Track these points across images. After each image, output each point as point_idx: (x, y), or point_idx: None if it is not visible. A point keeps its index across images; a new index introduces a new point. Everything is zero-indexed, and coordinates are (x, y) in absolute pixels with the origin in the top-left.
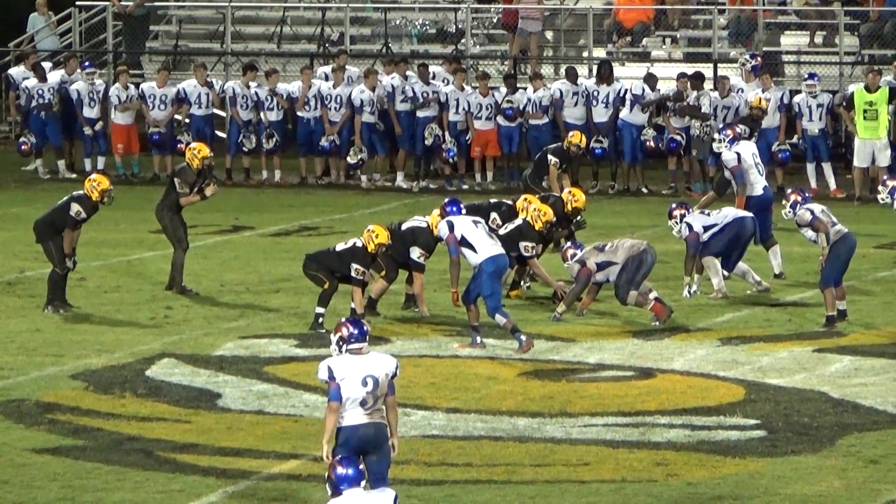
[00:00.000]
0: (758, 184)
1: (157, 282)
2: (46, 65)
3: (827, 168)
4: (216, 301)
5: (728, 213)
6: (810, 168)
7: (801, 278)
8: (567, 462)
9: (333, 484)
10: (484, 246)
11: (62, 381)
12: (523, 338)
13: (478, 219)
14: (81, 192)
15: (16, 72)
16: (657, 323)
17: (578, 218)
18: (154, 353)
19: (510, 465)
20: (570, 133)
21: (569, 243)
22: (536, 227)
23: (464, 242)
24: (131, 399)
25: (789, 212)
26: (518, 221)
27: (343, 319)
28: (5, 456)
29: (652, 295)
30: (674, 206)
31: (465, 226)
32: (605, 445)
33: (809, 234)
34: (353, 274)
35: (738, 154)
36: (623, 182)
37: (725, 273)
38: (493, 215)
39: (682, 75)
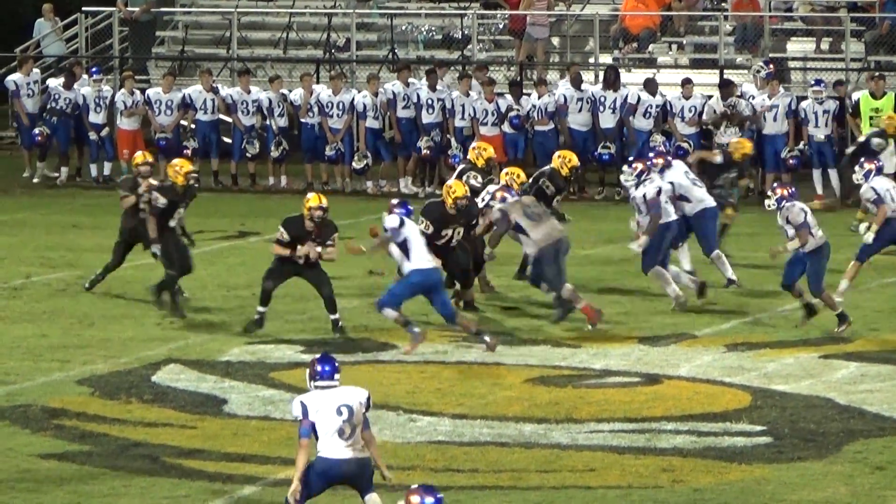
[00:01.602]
0: (704, 199)
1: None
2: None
3: (833, 174)
4: (222, 307)
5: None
6: (816, 174)
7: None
8: (573, 468)
9: None
10: (419, 257)
11: (68, 387)
12: (416, 330)
13: (420, 229)
14: (162, 182)
15: (16, 78)
16: (590, 327)
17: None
18: (160, 359)
19: (516, 471)
20: (477, 144)
21: (499, 186)
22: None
23: (403, 246)
24: (137, 404)
25: (773, 204)
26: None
27: (315, 357)
28: (11, 461)
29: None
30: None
31: (412, 231)
32: (611, 451)
33: (790, 232)
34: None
35: (660, 188)
36: None
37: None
38: None
39: (686, 81)
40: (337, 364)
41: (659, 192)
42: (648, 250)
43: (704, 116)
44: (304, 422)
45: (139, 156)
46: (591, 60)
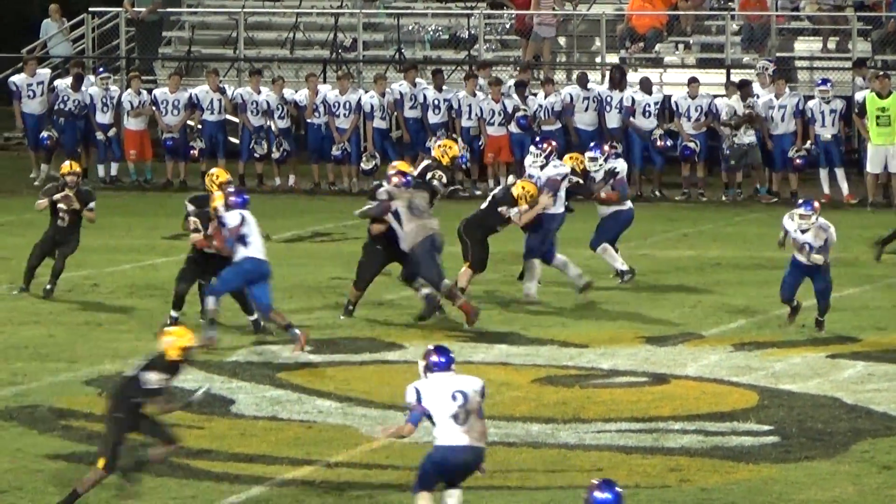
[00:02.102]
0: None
1: (171, 288)
2: (44, 71)
3: (840, 174)
4: (229, 307)
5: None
6: (823, 174)
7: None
8: (581, 468)
9: None
10: (256, 247)
11: (76, 388)
12: (212, 334)
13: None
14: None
15: (18, 79)
16: (466, 325)
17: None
18: None
19: (524, 470)
20: (443, 142)
21: (396, 172)
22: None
23: (241, 238)
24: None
25: (813, 222)
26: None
27: (430, 348)
28: (19, 462)
29: (423, 291)
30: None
31: (251, 223)
32: (618, 451)
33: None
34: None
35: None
36: (636, 188)
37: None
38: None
39: (692, 80)
40: (452, 355)
41: (563, 178)
42: (534, 237)
43: (724, 117)
44: (417, 407)
45: (66, 166)
46: (598, 60)
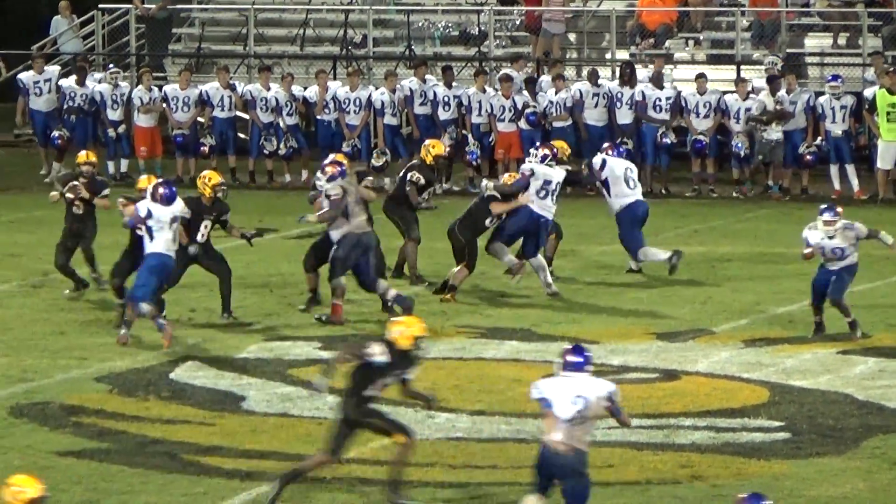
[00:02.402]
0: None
1: (180, 284)
2: (52, 69)
3: (850, 170)
4: (240, 303)
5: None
6: (833, 170)
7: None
8: (592, 464)
9: None
10: (159, 242)
11: (86, 384)
12: (163, 322)
13: (177, 216)
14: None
15: (26, 76)
16: (323, 317)
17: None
18: (178, 356)
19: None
20: (429, 142)
21: (333, 161)
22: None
23: (149, 231)
24: (155, 402)
25: (840, 227)
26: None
27: (567, 347)
28: (30, 458)
29: (391, 294)
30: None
31: (163, 219)
32: (629, 447)
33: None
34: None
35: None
36: (646, 184)
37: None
38: None
39: (700, 76)
40: (589, 355)
41: (531, 173)
42: (501, 230)
43: (755, 112)
44: (543, 402)
45: (82, 155)
46: (608, 56)
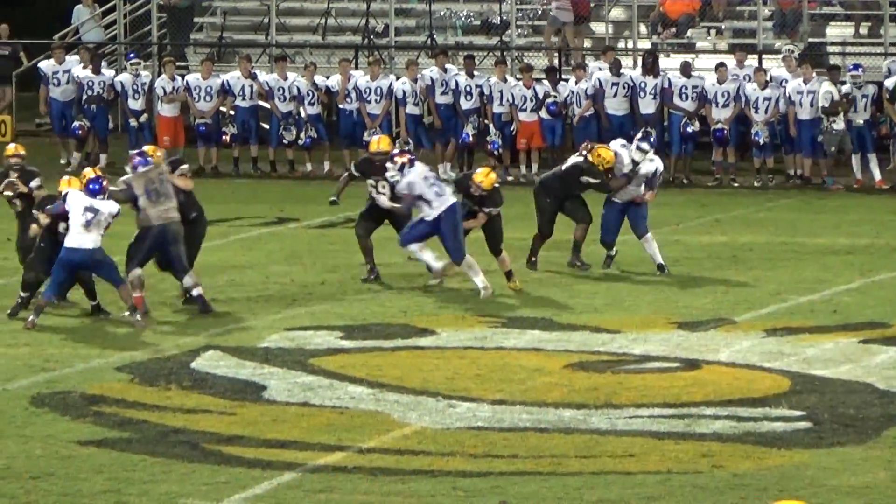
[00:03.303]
0: (442, 202)
1: (202, 274)
2: (73, 58)
3: (872, 159)
4: (261, 293)
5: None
6: (855, 159)
7: (841, 272)
8: (613, 453)
9: None
10: (72, 237)
11: (108, 374)
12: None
13: (93, 209)
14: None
15: (46, 65)
16: (126, 313)
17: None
18: (199, 346)
19: (556, 456)
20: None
21: (137, 152)
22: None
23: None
24: (176, 391)
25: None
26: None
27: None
28: (51, 448)
29: (196, 291)
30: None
31: (75, 211)
32: (650, 437)
33: None
34: None
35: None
36: (670, 173)
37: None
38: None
39: (720, 65)
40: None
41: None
42: (412, 229)
43: (822, 103)
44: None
45: (10, 148)
46: (630, 45)
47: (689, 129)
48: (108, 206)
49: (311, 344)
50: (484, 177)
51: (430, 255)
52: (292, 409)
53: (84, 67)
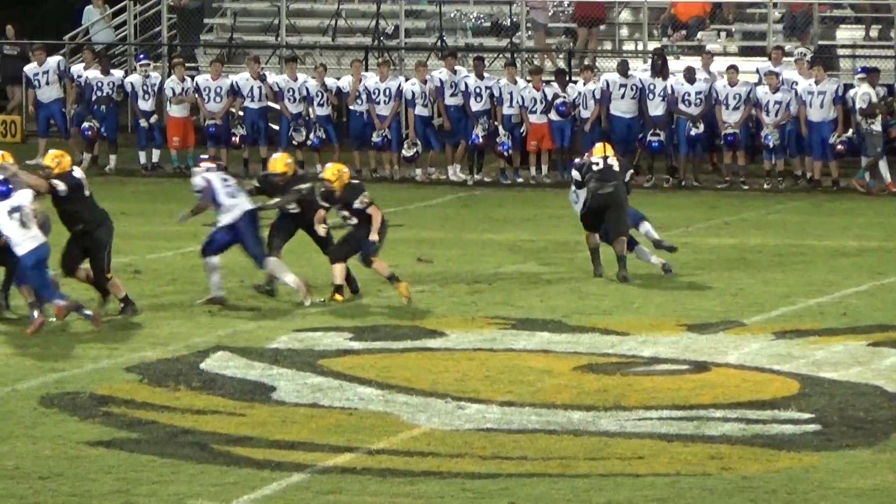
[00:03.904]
0: (235, 207)
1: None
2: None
3: (882, 162)
4: (271, 294)
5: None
6: (883, 163)
7: (850, 274)
8: (622, 455)
9: None
10: (20, 240)
11: (117, 374)
12: (35, 314)
13: (16, 207)
14: None
15: (29, 67)
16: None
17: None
18: (208, 346)
19: (565, 458)
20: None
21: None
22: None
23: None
24: (186, 392)
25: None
26: None
27: None
28: (59, 448)
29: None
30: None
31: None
32: (659, 439)
33: None
34: None
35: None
36: (680, 175)
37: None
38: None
39: (731, 67)
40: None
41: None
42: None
43: (860, 104)
44: None
45: None
46: (640, 48)
47: (692, 133)
48: (23, 197)
49: (321, 345)
50: (282, 164)
51: (289, 276)
52: (301, 411)
53: (86, 68)
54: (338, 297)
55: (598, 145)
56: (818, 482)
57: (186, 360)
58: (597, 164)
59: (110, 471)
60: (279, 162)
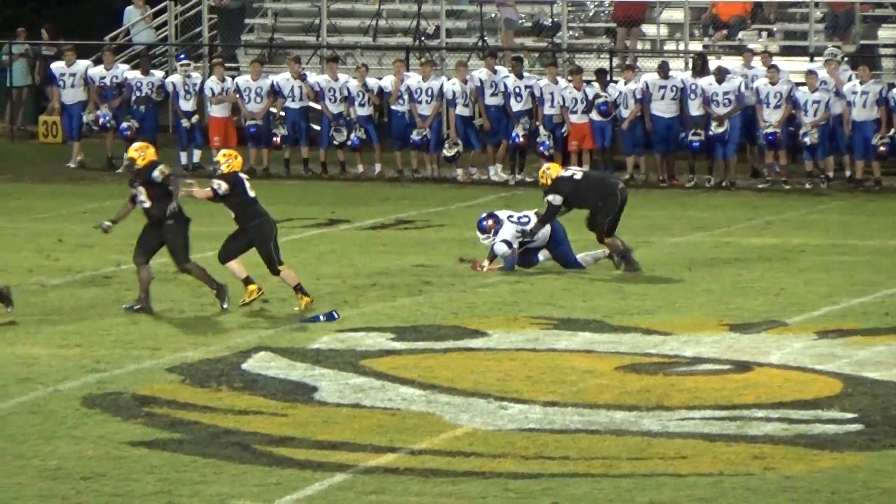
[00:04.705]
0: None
1: (253, 275)
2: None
3: None
4: (313, 294)
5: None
6: None
7: (893, 274)
8: (664, 455)
9: None
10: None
11: (158, 375)
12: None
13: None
14: None
15: (57, 66)
16: None
17: None
18: (250, 347)
19: (607, 458)
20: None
21: None
22: None
23: None
24: (228, 392)
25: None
26: None
27: None
28: (102, 449)
29: None
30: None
31: None
32: (702, 439)
33: None
34: None
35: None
36: (720, 175)
37: None
38: None
39: (772, 67)
40: None
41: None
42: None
43: None
44: None
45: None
46: (681, 47)
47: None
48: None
49: (363, 345)
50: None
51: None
52: (344, 411)
53: (107, 68)
54: (251, 287)
55: (548, 165)
56: (861, 482)
57: (228, 360)
58: (575, 175)
59: (153, 471)
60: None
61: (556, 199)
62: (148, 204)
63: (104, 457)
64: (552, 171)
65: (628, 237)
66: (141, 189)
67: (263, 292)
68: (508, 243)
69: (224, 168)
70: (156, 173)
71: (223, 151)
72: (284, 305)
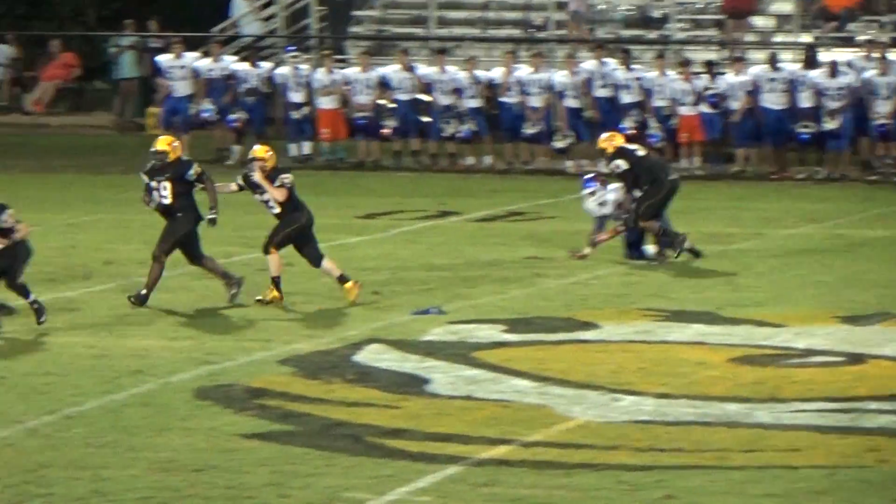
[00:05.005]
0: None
1: (365, 267)
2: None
3: None
4: (424, 286)
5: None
6: None
7: None
8: (777, 448)
9: None
10: None
11: (270, 367)
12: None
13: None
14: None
15: (164, 58)
16: None
17: None
18: (362, 339)
19: (720, 450)
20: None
21: None
22: None
23: None
24: (339, 384)
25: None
26: None
27: None
28: (214, 441)
29: None
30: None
31: None
32: (815, 431)
33: None
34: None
35: None
36: (831, 167)
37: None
38: None
39: (882, 57)
40: None
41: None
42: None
43: None
44: None
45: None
46: (791, 39)
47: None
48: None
49: (474, 337)
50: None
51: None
52: (456, 403)
53: (214, 61)
54: (348, 285)
55: (612, 133)
56: None
57: (340, 352)
58: (637, 150)
59: (265, 463)
60: (162, 142)
61: (623, 163)
62: (169, 200)
63: (216, 449)
64: (617, 140)
65: (740, 229)
66: (166, 184)
67: (361, 284)
68: (603, 203)
69: (269, 164)
70: (191, 172)
71: (260, 146)
72: (396, 298)
